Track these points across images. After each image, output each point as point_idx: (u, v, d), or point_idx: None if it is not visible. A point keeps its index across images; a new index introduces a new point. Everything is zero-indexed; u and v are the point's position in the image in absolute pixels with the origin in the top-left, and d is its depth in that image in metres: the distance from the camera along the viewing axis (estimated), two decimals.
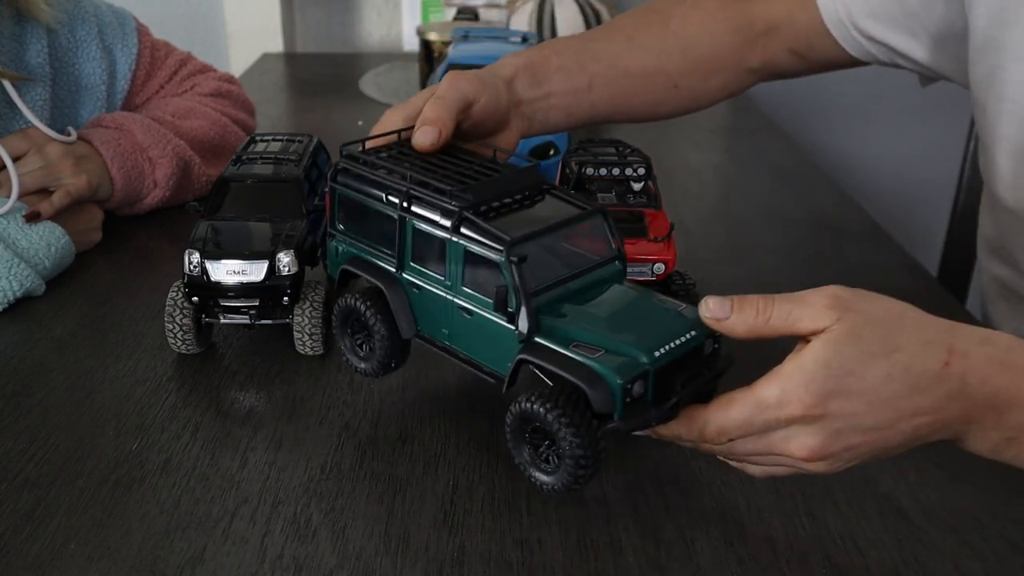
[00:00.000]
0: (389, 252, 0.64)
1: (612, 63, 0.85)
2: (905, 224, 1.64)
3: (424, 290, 0.63)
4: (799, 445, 0.53)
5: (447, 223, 0.59)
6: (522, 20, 1.50)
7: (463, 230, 0.59)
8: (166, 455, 0.65)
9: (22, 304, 0.83)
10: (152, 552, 0.56)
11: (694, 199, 1.16)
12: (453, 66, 1.07)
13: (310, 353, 0.76)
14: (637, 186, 0.78)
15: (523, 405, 0.56)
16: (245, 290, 0.72)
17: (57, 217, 0.89)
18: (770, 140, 1.40)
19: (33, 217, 0.86)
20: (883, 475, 0.63)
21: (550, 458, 0.57)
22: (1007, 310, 0.92)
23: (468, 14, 1.67)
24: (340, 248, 0.69)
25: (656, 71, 0.87)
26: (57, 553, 0.56)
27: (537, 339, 0.57)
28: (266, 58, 1.82)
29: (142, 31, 1.08)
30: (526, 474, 0.59)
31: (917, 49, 0.85)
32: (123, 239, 0.98)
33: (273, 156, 0.81)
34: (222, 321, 0.74)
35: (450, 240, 0.59)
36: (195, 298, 0.73)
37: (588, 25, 1.48)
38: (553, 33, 1.48)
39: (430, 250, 0.61)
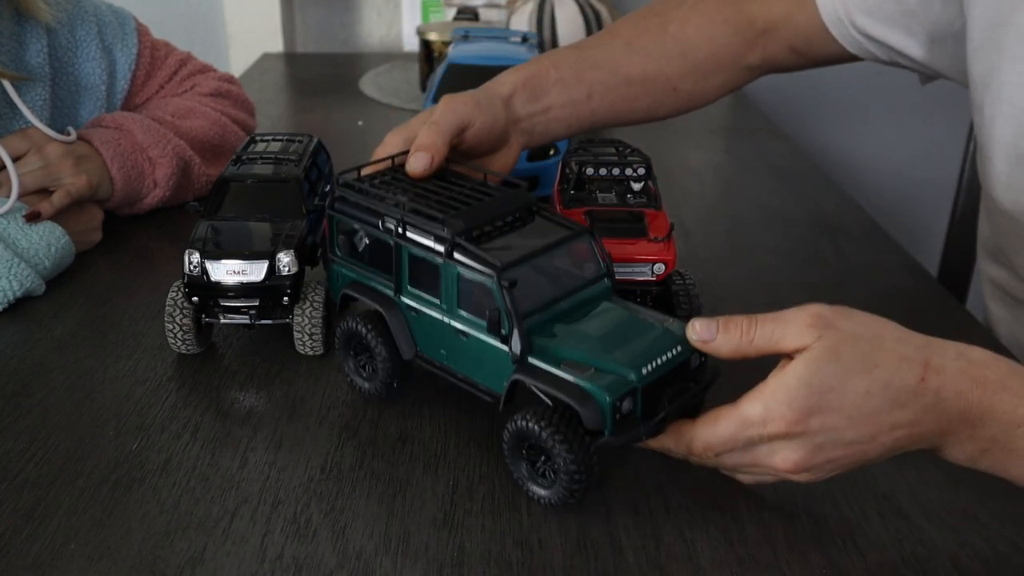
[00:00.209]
0: (387, 277, 0.66)
1: (612, 70, 0.86)
2: (905, 224, 1.65)
3: (422, 313, 0.65)
4: (783, 459, 0.55)
5: (440, 249, 0.61)
6: (522, 20, 1.50)
7: (456, 256, 0.61)
8: (166, 455, 0.65)
9: (22, 304, 0.83)
10: (152, 552, 0.56)
11: (694, 199, 1.16)
12: (453, 66, 1.07)
13: (310, 353, 0.76)
14: (637, 186, 0.78)
15: (519, 423, 0.58)
16: (245, 290, 0.72)
17: (57, 217, 0.89)
18: (770, 140, 1.40)
19: (33, 217, 0.86)
20: (883, 475, 0.63)
21: (546, 473, 0.59)
22: (1005, 313, 0.92)
23: (468, 14, 1.67)
24: (340, 273, 0.71)
25: (655, 75, 0.88)
26: (57, 553, 0.56)
27: (530, 359, 0.59)
28: (266, 58, 1.82)
29: (142, 31, 1.08)
30: (524, 488, 0.60)
31: (915, 48, 0.85)
32: (123, 239, 0.98)
33: (273, 156, 0.81)
34: (222, 321, 0.74)
35: (444, 265, 0.61)
36: (195, 298, 0.73)
37: (588, 25, 1.47)
38: (553, 33, 1.48)
39: (426, 275, 0.64)
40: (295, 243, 0.73)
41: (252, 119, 1.18)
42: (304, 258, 0.75)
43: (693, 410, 0.63)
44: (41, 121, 0.93)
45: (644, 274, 0.72)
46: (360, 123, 1.42)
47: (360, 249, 0.68)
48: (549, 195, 0.85)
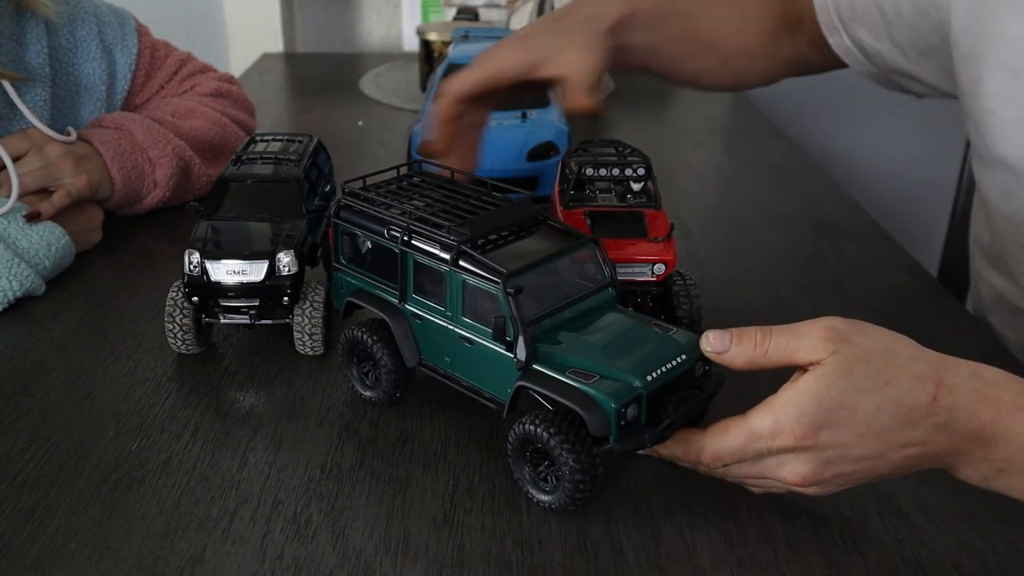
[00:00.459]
0: (392, 285, 0.67)
1: (686, 26, 0.86)
2: (905, 224, 1.64)
3: (426, 320, 0.65)
4: (791, 471, 0.56)
5: (446, 256, 0.62)
6: (522, 20, 1.50)
7: (461, 263, 0.61)
8: (166, 455, 0.65)
9: (22, 304, 0.83)
10: (152, 552, 0.56)
11: (694, 199, 1.16)
12: (453, 66, 1.07)
13: (310, 353, 0.76)
14: (637, 186, 0.78)
15: (526, 427, 0.58)
16: (245, 290, 0.72)
17: (57, 217, 0.89)
18: (770, 140, 1.40)
19: (33, 217, 0.86)
20: None
21: (549, 477, 0.59)
22: (1006, 320, 0.92)
23: (468, 14, 1.67)
24: (345, 281, 0.71)
25: (714, 43, 0.89)
26: (57, 553, 0.56)
27: (535, 366, 0.59)
28: (266, 58, 1.82)
29: (142, 31, 1.08)
30: (525, 491, 0.61)
31: (901, 58, 0.86)
32: (123, 239, 0.98)
33: (273, 156, 0.81)
34: (222, 321, 0.74)
35: (449, 273, 0.62)
36: (195, 298, 0.73)
37: None
38: None
39: (431, 282, 0.64)
40: (295, 243, 0.73)
41: (252, 119, 1.18)
42: (304, 258, 0.75)
43: (698, 418, 0.63)
44: (41, 121, 0.93)
45: (644, 274, 0.72)
46: (360, 123, 1.42)
47: (365, 257, 0.69)
48: (549, 195, 0.86)
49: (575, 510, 0.59)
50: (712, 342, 0.58)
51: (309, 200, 0.78)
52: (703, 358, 0.59)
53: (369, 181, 0.72)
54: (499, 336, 0.60)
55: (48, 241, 0.86)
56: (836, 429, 0.53)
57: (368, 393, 0.70)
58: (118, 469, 0.63)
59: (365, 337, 0.68)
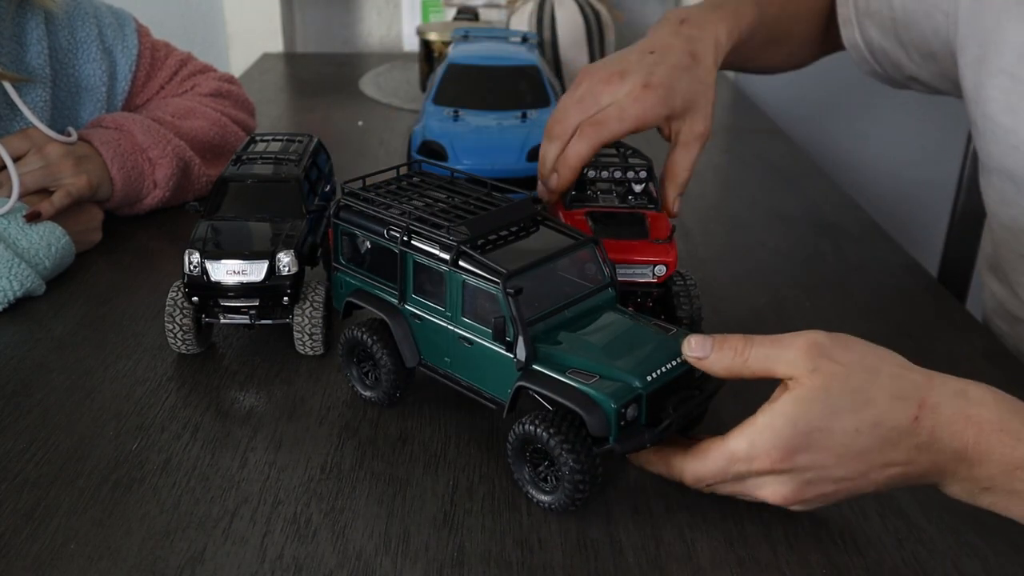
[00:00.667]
0: (391, 285, 0.67)
1: (771, 29, 0.88)
2: (905, 224, 1.64)
3: (426, 321, 0.65)
4: (772, 492, 0.56)
5: (446, 256, 0.62)
6: (522, 20, 1.50)
7: (461, 263, 0.61)
8: (166, 455, 0.65)
9: (22, 304, 0.83)
10: (152, 552, 0.56)
11: (694, 199, 1.15)
12: (453, 66, 1.07)
13: (310, 353, 0.76)
14: (638, 188, 0.78)
15: (526, 427, 0.58)
16: (245, 290, 0.72)
17: (57, 217, 0.89)
18: (770, 140, 1.40)
19: (33, 217, 0.86)
20: None
21: (548, 478, 0.59)
22: (1006, 329, 0.92)
23: (468, 14, 1.67)
24: (344, 281, 0.71)
25: (789, 37, 0.92)
26: (57, 553, 0.56)
27: (535, 366, 0.59)
28: (266, 58, 1.82)
29: (142, 32, 1.08)
30: (525, 491, 0.61)
31: (906, 60, 0.87)
32: (123, 239, 0.98)
33: (273, 156, 0.81)
34: (222, 321, 0.74)
35: (449, 273, 0.62)
36: (195, 298, 0.73)
37: (588, 25, 1.47)
38: (553, 33, 1.47)
39: (430, 282, 0.64)
40: (295, 243, 0.73)
41: (252, 119, 1.19)
42: (304, 258, 0.75)
43: (698, 418, 0.64)
44: (41, 121, 0.93)
45: (645, 275, 0.72)
46: (360, 123, 1.42)
47: (364, 257, 0.69)
48: None
49: (575, 510, 0.59)
50: (693, 347, 0.57)
51: (309, 200, 0.78)
52: None
53: (369, 181, 0.72)
54: (499, 336, 0.60)
55: (48, 241, 0.86)
56: (813, 451, 0.53)
57: (368, 393, 0.70)
58: (118, 469, 0.63)
59: (365, 337, 0.68)
